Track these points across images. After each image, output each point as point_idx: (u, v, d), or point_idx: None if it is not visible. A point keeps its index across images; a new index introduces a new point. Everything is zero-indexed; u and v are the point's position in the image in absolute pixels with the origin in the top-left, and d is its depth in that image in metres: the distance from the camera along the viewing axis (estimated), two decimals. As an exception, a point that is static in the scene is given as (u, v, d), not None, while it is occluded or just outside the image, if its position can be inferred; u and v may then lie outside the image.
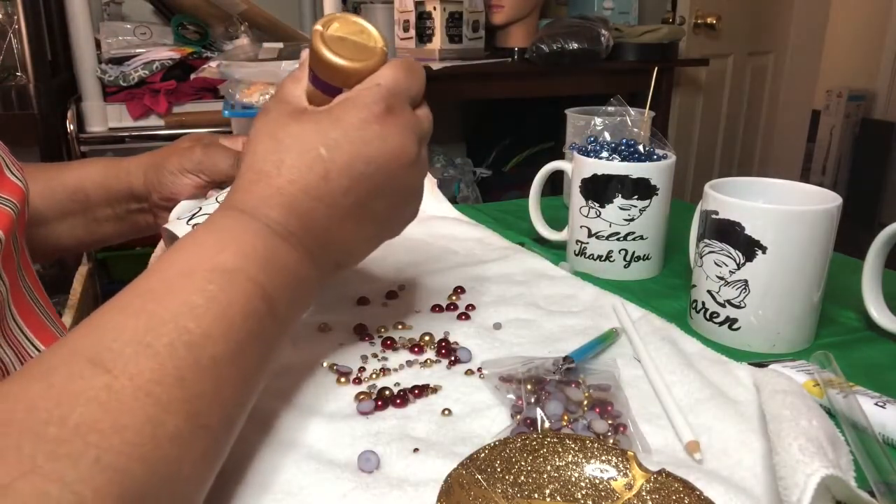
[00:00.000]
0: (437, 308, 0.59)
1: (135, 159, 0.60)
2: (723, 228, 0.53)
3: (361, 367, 0.49)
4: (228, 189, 0.53)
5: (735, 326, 0.54)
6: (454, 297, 0.61)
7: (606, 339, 0.52)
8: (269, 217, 0.37)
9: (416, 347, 0.51)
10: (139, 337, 0.29)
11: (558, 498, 0.36)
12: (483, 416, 0.43)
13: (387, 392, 0.45)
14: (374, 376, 0.48)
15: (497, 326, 0.56)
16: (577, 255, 0.69)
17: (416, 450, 0.40)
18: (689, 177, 2.54)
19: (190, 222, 0.51)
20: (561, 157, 0.76)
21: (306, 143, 0.38)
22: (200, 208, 0.52)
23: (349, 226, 0.40)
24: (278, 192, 0.38)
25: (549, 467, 0.36)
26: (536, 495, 0.36)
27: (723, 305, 0.54)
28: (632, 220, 0.65)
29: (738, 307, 0.53)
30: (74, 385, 0.27)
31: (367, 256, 0.45)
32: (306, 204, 0.38)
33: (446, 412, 0.44)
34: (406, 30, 1.79)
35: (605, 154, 0.68)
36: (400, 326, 0.55)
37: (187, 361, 0.29)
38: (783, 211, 0.51)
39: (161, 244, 0.66)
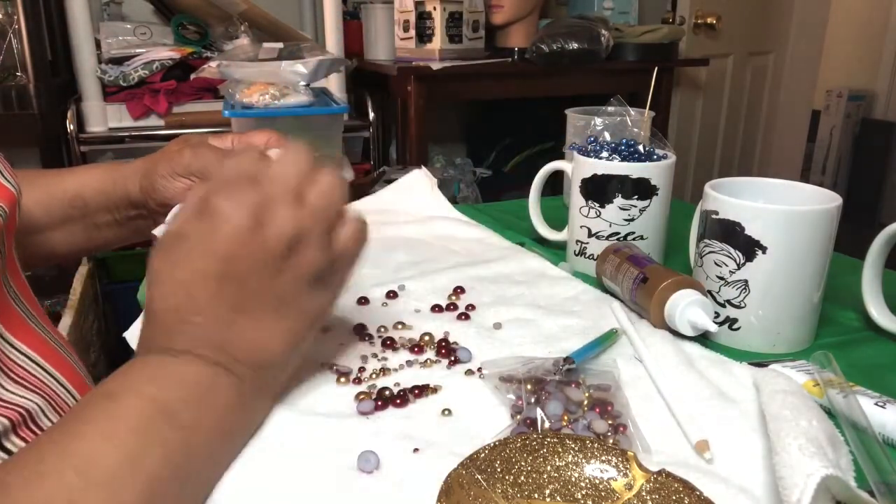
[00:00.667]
0: (437, 308, 0.59)
1: (131, 165, 0.60)
2: (723, 228, 0.53)
3: (361, 367, 0.49)
4: None
5: (735, 326, 0.54)
6: (454, 297, 0.61)
7: (607, 340, 0.52)
8: (157, 345, 0.39)
9: (416, 347, 0.51)
10: (38, 457, 0.31)
11: (558, 498, 0.36)
12: (483, 416, 0.43)
13: (387, 392, 0.45)
14: (374, 376, 0.48)
15: (497, 326, 0.56)
16: (577, 255, 0.69)
17: (416, 450, 0.40)
18: (689, 177, 2.54)
19: None
20: (561, 157, 0.76)
21: (168, 272, 0.39)
22: None
23: (238, 324, 0.39)
24: (158, 323, 0.39)
25: (549, 467, 0.36)
26: (536, 495, 0.36)
27: (723, 305, 0.54)
28: (632, 220, 0.65)
29: (738, 307, 0.53)
30: None
31: (292, 353, 0.42)
32: (181, 323, 0.38)
33: (446, 412, 0.44)
34: (406, 30, 1.79)
35: (605, 154, 0.68)
36: (400, 326, 0.55)
37: (76, 477, 0.31)
38: (783, 211, 0.51)
39: None
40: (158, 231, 0.51)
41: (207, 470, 0.37)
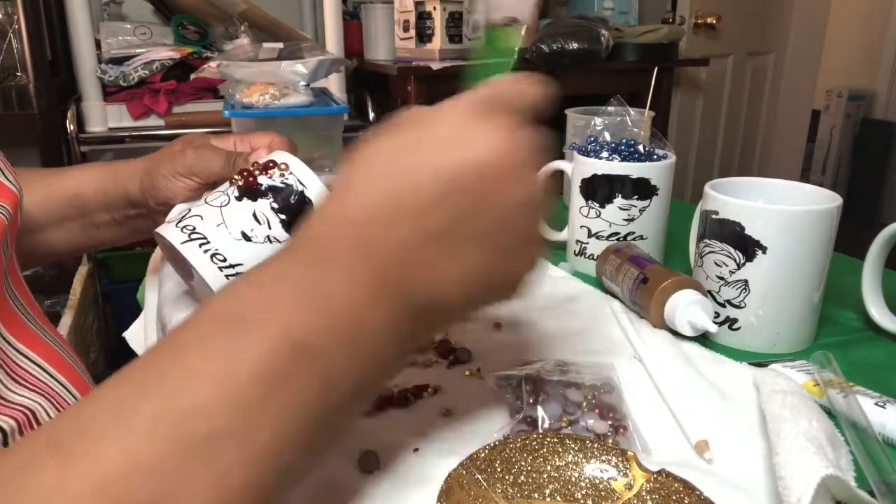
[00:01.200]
0: (437, 308, 0.59)
1: (130, 164, 0.60)
2: (723, 228, 0.53)
3: (361, 367, 0.49)
4: (219, 189, 0.53)
5: (735, 326, 0.54)
6: (454, 297, 0.61)
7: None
8: (310, 255, 0.31)
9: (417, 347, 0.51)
10: (115, 411, 0.24)
11: (558, 498, 0.36)
12: (483, 416, 0.43)
13: (387, 392, 0.45)
14: (374, 376, 0.48)
15: (497, 326, 0.56)
16: (577, 255, 0.69)
17: (416, 450, 0.40)
18: (689, 177, 2.54)
19: (178, 225, 0.50)
20: (561, 157, 0.76)
21: (394, 150, 0.32)
22: (189, 210, 0.52)
23: (446, 249, 0.31)
24: (352, 207, 0.31)
25: (549, 467, 0.36)
26: (536, 495, 0.36)
27: (723, 305, 0.54)
28: (632, 220, 0.65)
29: (738, 307, 0.53)
30: (22, 479, 0.22)
31: (463, 310, 0.35)
32: (384, 216, 0.31)
33: (446, 412, 0.44)
34: (406, 30, 1.79)
35: (605, 154, 0.68)
36: (400, 326, 0.55)
37: (169, 443, 0.24)
38: (783, 211, 0.51)
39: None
40: (160, 230, 0.51)
41: (341, 423, 0.30)
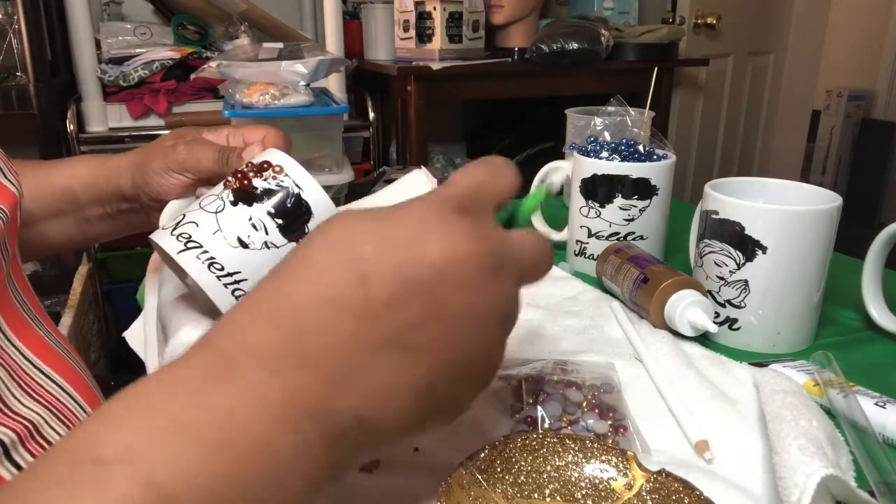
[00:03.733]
0: (437, 308, 0.59)
1: (122, 158, 0.59)
2: (723, 228, 0.53)
3: (361, 367, 0.49)
4: (213, 192, 0.52)
5: (735, 326, 0.54)
6: (454, 297, 0.61)
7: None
8: (229, 345, 0.26)
9: (416, 347, 0.51)
10: None
11: (558, 498, 0.36)
12: (483, 416, 0.43)
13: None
14: (374, 376, 0.48)
15: (497, 326, 0.56)
16: (577, 255, 0.69)
17: (416, 449, 0.40)
18: (689, 177, 2.54)
19: (174, 233, 0.49)
20: (561, 157, 0.76)
21: (349, 239, 0.28)
22: (184, 215, 0.50)
23: (386, 358, 0.27)
24: (286, 296, 0.27)
25: (549, 467, 0.36)
26: (536, 495, 0.36)
27: (723, 305, 0.54)
28: (632, 220, 0.65)
29: (738, 307, 0.53)
30: None
31: (395, 434, 0.29)
32: (325, 316, 0.26)
33: (446, 412, 0.44)
34: (406, 30, 1.79)
35: (605, 154, 0.68)
36: (400, 326, 0.55)
37: None
38: (783, 211, 0.51)
39: None
40: (156, 238, 0.50)
41: None
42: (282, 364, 0.26)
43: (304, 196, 0.51)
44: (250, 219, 0.49)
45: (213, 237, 0.49)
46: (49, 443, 0.41)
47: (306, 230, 0.51)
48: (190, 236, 0.49)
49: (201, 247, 0.48)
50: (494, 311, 0.29)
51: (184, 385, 0.25)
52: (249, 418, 0.25)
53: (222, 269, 0.49)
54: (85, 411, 0.46)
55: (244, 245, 0.49)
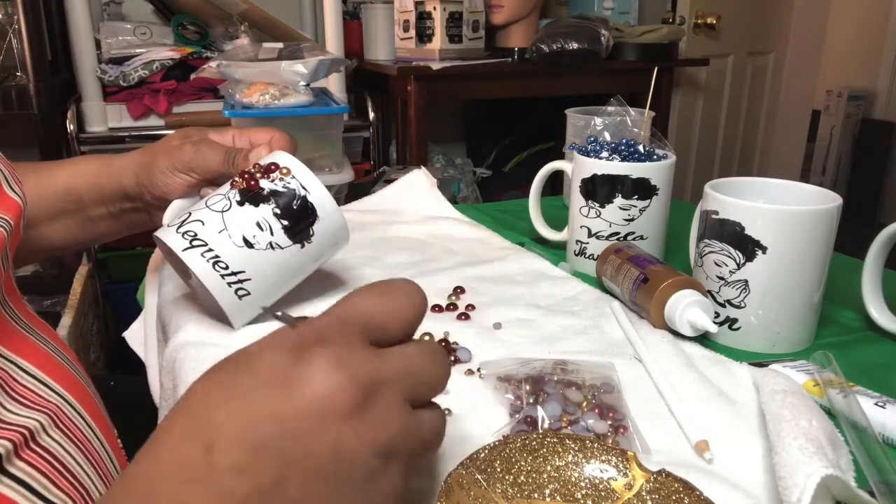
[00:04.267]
0: (437, 308, 0.59)
1: (125, 157, 0.59)
2: (723, 228, 0.53)
3: (361, 367, 0.49)
4: (219, 192, 0.52)
5: (735, 326, 0.54)
6: (454, 297, 0.61)
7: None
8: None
9: (416, 347, 0.51)
10: None
11: (558, 498, 0.36)
12: (483, 416, 0.43)
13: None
14: (374, 376, 0.48)
15: (497, 326, 0.56)
16: (577, 255, 0.69)
17: (416, 450, 0.40)
18: (689, 177, 2.54)
19: (179, 230, 0.49)
20: (561, 157, 0.76)
21: (205, 401, 0.27)
22: (190, 214, 0.51)
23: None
24: (142, 469, 0.26)
25: (549, 467, 0.36)
26: (536, 495, 0.36)
27: (723, 305, 0.54)
28: (632, 220, 0.65)
29: (738, 307, 0.53)
30: None
31: None
32: (172, 489, 0.25)
33: (446, 412, 0.44)
34: (406, 30, 1.79)
35: (605, 154, 0.68)
36: (400, 326, 0.55)
37: None
38: (783, 211, 0.51)
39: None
40: (161, 235, 0.51)
41: None
42: None
43: (310, 199, 0.51)
44: (256, 219, 0.50)
45: (219, 236, 0.49)
46: (46, 451, 0.41)
47: (311, 232, 0.52)
48: (195, 234, 0.49)
49: (206, 245, 0.49)
50: (368, 447, 0.26)
51: None
52: None
53: (227, 267, 0.49)
54: (83, 417, 0.46)
55: (249, 245, 0.49)
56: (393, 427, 0.27)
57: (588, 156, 0.67)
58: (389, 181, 0.97)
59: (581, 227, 0.68)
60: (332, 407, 0.26)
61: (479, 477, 0.35)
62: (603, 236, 0.66)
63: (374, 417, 0.26)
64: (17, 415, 0.41)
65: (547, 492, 0.36)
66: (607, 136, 0.70)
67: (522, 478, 0.36)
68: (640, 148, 0.68)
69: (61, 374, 0.46)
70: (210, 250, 0.49)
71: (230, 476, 0.25)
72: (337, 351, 0.27)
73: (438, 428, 0.30)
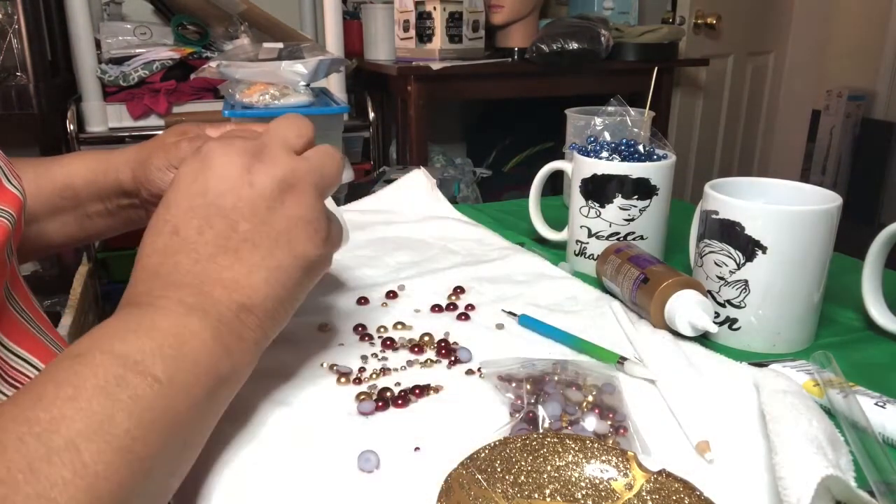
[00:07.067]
0: (437, 308, 0.59)
1: (122, 153, 0.59)
2: (723, 228, 0.53)
3: (361, 368, 0.49)
4: None
5: (735, 326, 0.54)
6: (454, 297, 0.61)
7: (593, 353, 0.51)
8: (134, 299, 0.38)
9: (416, 347, 0.51)
10: None
11: (558, 498, 0.36)
12: (483, 416, 0.43)
13: (387, 393, 0.45)
14: (374, 376, 0.48)
15: (498, 326, 0.56)
16: (577, 255, 0.69)
17: (416, 449, 0.40)
18: (689, 177, 2.54)
19: None
20: (561, 157, 0.76)
21: (158, 215, 0.39)
22: None
23: (220, 261, 0.38)
24: (141, 269, 0.39)
25: (549, 467, 0.36)
26: (536, 495, 0.36)
27: (723, 305, 0.54)
28: (632, 220, 0.65)
29: (738, 307, 0.53)
30: None
31: (278, 289, 0.40)
32: (162, 265, 0.38)
33: (446, 412, 0.44)
34: (406, 30, 1.79)
35: (605, 154, 0.68)
36: (400, 326, 0.55)
37: (38, 452, 0.28)
38: (783, 211, 0.51)
39: None
40: None
41: (192, 426, 0.35)
42: (168, 287, 0.38)
43: None
44: None
45: None
46: None
47: None
48: None
49: None
50: (268, 180, 0.39)
51: (119, 313, 0.38)
52: (170, 319, 0.36)
53: None
54: None
55: None
56: (285, 164, 0.40)
57: (588, 156, 0.67)
58: (389, 181, 0.97)
59: (581, 227, 0.68)
60: (233, 169, 0.39)
61: (480, 477, 0.35)
62: (603, 236, 0.66)
63: (267, 160, 0.40)
64: None
65: (547, 492, 0.36)
66: (607, 136, 0.70)
67: (523, 478, 0.36)
68: (640, 148, 0.68)
69: None
70: None
71: (196, 235, 0.38)
72: (230, 143, 0.41)
73: (328, 158, 0.43)
